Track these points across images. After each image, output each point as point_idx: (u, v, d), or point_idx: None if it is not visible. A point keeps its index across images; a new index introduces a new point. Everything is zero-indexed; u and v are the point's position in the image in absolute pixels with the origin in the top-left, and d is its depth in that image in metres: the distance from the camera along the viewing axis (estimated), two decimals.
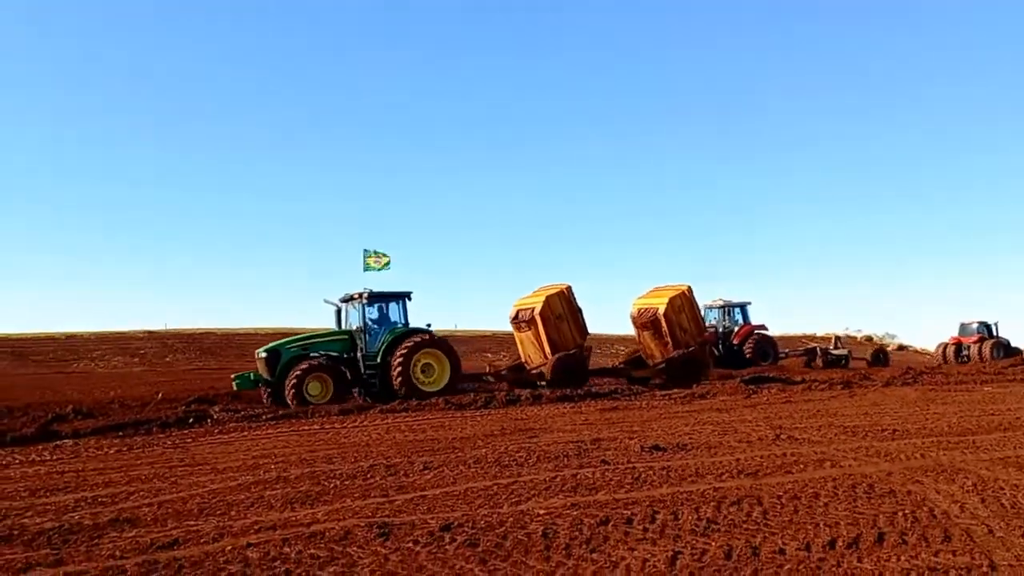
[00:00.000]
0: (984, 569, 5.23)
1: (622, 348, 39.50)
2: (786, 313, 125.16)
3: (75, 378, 31.42)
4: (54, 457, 11.78)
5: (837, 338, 35.63)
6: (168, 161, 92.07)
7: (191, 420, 15.69)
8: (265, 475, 9.35)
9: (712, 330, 31.71)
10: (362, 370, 20.46)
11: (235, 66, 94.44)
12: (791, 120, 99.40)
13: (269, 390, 19.64)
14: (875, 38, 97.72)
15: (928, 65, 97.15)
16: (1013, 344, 38.05)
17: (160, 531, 6.70)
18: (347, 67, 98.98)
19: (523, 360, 24.26)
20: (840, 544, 5.79)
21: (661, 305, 24.83)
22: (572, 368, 22.51)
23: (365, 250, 21.91)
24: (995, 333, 38.41)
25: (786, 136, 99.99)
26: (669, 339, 24.56)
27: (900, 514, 6.68)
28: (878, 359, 34.09)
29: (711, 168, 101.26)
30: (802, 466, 9.07)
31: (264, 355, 19.91)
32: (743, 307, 33.26)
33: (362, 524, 6.59)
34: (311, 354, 19.87)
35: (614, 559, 5.52)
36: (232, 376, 20.63)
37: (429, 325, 21.42)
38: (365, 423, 15.06)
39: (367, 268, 21.80)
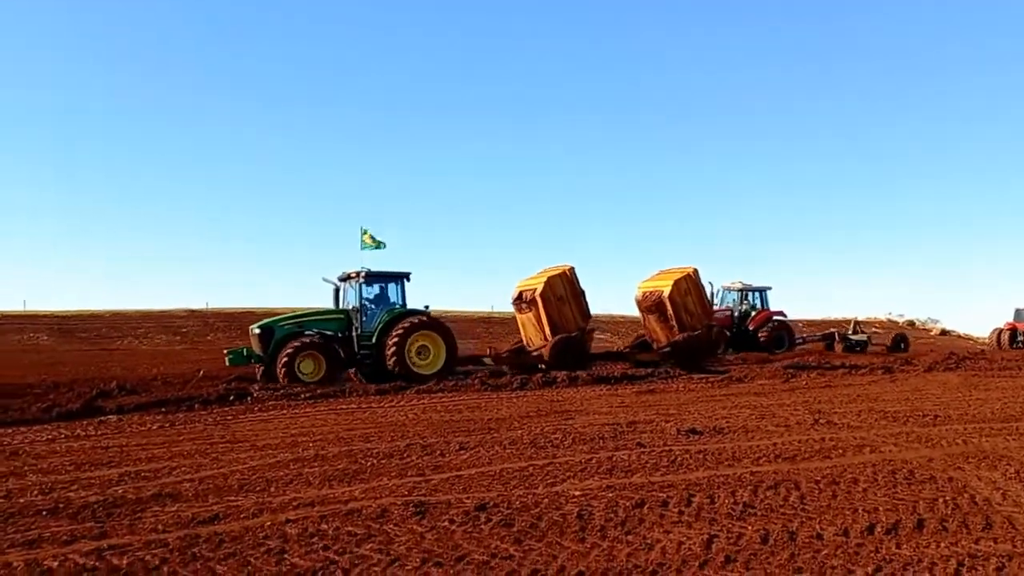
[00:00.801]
0: None
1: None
2: (827, 298, 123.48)
3: (119, 355, 31.94)
4: (99, 432, 12.01)
5: (856, 323, 34.74)
6: (216, 139, 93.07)
7: (231, 398, 15.91)
8: (303, 453, 9.46)
9: (728, 312, 31.42)
10: (356, 350, 20.10)
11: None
12: (838, 97, 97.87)
13: (262, 367, 19.39)
14: (924, 9, 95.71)
15: (983, 35, 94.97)
16: None
17: (201, 506, 6.82)
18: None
19: (524, 342, 23.94)
20: (879, 530, 5.74)
21: (666, 288, 24.37)
22: (572, 351, 22.03)
23: (363, 228, 21.50)
24: None
25: (835, 114, 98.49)
26: (675, 322, 24.11)
27: (940, 500, 6.60)
28: (898, 345, 33.27)
29: (757, 148, 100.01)
30: (841, 451, 8.99)
31: (257, 331, 19.68)
32: (763, 292, 32.63)
33: (399, 502, 6.66)
34: (305, 332, 19.61)
35: (649, 541, 5.52)
36: (225, 351, 20.58)
37: (427, 307, 21.10)
38: (402, 403, 15.17)
39: (364, 246, 21.37)
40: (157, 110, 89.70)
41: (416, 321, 19.96)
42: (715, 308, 30.77)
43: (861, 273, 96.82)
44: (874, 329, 45.21)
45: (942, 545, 5.40)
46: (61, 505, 6.94)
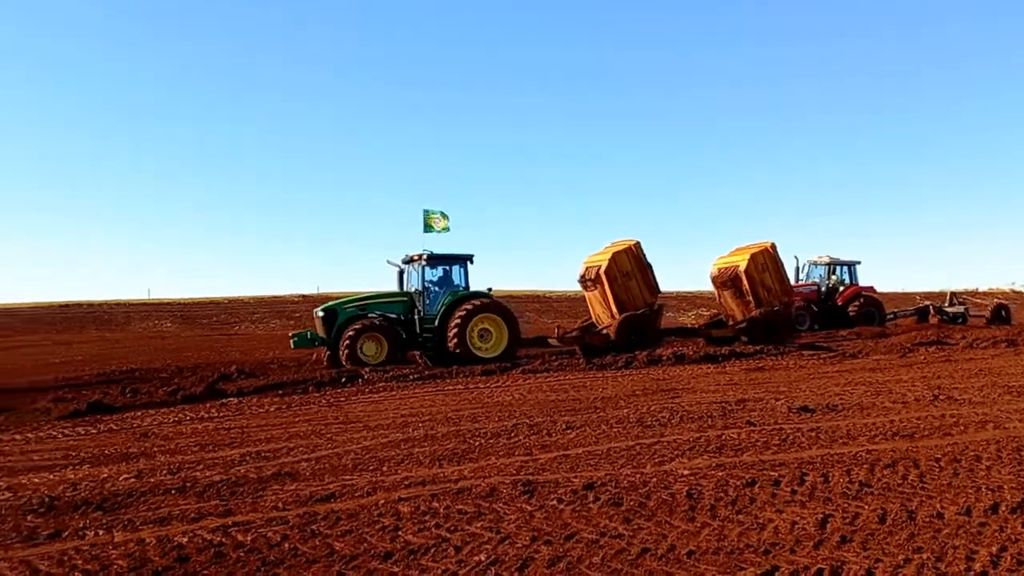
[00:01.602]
0: None
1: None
2: (941, 267, 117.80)
3: (237, 340, 33.24)
4: (220, 414, 12.55)
5: (953, 294, 32.93)
6: (327, 127, 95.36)
7: (344, 380, 16.36)
8: (414, 433, 9.67)
9: (814, 288, 30.41)
10: (418, 332, 20.12)
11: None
12: (942, 60, 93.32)
13: (327, 350, 19.59)
14: None
15: None
16: None
17: (318, 485, 7.06)
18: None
19: (593, 320, 23.49)
20: (1003, 509, 5.51)
21: (742, 263, 23.75)
22: (640, 328, 21.50)
23: (426, 210, 21.25)
24: None
25: (938, 78, 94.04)
26: (751, 298, 23.48)
27: None
28: (999, 316, 31.31)
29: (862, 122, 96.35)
30: (962, 428, 8.65)
31: (321, 314, 19.82)
32: (851, 266, 31.38)
33: (507, 481, 6.74)
34: (369, 314, 19.73)
35: (761, 521, 5.44)
36: (290, 334, 20.78)
37: (490, 289, 20.95)
38: (508, 383, 15.31)
39: (428, 229, 21.16)
40: (266, 107, 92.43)
41: (478, 303, 19.85)
42: (801, 283, 29.90)
43: (978, 243, 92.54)
44: (976, 300, 42.99)
45: None
46: (188, 484, 7.29)
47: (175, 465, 8.29)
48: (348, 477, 7.35)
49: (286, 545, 5.31)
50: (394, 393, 14.47)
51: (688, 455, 7.67)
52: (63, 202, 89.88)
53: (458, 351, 19.35)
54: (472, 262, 20.92)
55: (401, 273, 20.94)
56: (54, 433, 11.32)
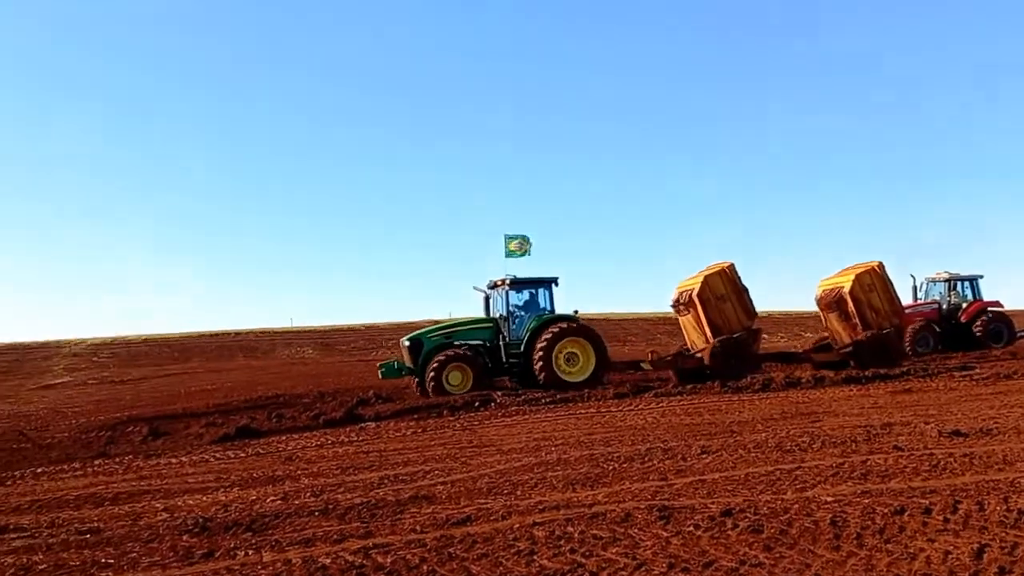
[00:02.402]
0: None
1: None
2: None
3: (374, 366, 34.13)
4: (360, 438, 12.92)
5: None
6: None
7: (477, 404, 16.58)
8: (546, 457, 9.68)
9: (934, 306, 28.53)
10: (504, 359, 19.87)
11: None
12: None
13: (416, 379, 19.51)
14: None
15: None
16: None
17: (454, 508, 7.16)
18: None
19: (688, 345, 22.58)
20: None
21: (847, 283, 22.43)
22: (735, 352, 20.58)
23: (506, 235, 21.03)
24: None
25: None
26: (857, 320, 22.10)
27: None
28: None
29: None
30: None
31: (407, 344, 19.77)
32: (973, 281, 29.16)
33: (642, 506, 6.66)
34: (455, 342, 19.60)
35: (911, 551, 5.18)
36: (378, 364, 20.83)
37: (576, 312, 20.48)
38: (640, 406, 15.15)
39: (509, 254, 20.94)
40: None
41: (563, 327, 19.52)
42: (920, 302, 28.23)
43: None
44: None
45: None
46: (330, 506, 7.53)
47: (318, 488, 8.58)
48: (483, 501, 7.42)
49: (424, 568, 5.40)
50: (526, 417, 14.55)
51: (831, 481, 7.38)
52: (217, 238, 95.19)
53: (543, 376, 19.05)
54: (557, 285, 20.65)
55: (487, 299, 20.81)
56: (206, 457, 11.93)
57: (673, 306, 22.63)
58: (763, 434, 10.56)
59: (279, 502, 7.91)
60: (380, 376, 20.37)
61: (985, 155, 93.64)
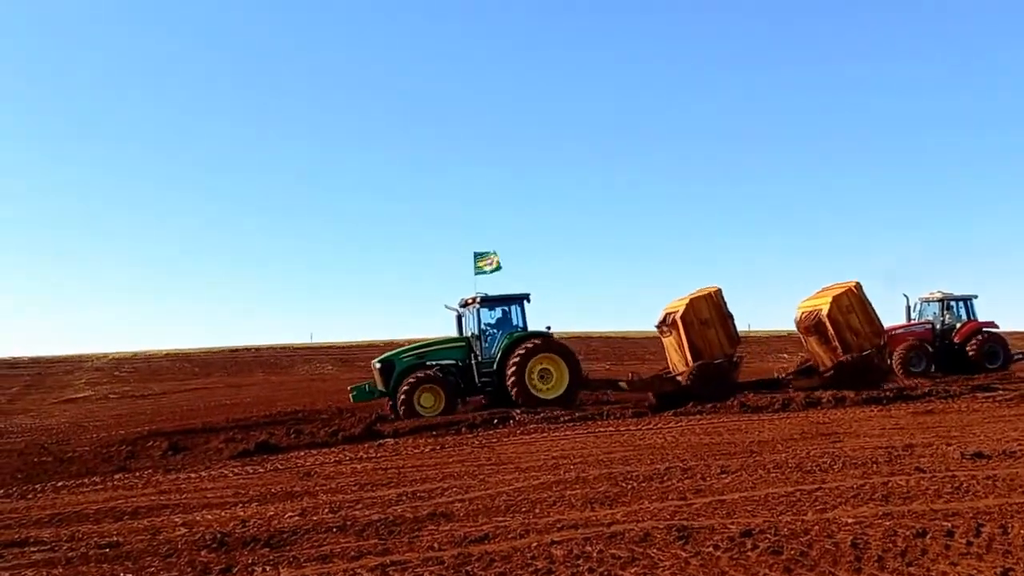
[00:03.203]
0: None
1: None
2: None
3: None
4: (378, 454, 12.93)
5: None
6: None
7: (495, 421, 16.57)
8: (565, 475, 9.65)
9: (928, 327, 28.06)
10: (476, 379, 19.55)
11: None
12: None
13: (391, 400, 19.11)
14: None
15: None
16: None
17: (472, 526, 7.15)
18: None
19: (670, 367, 22.19)
20: None
21: (824, 306, 21.98)
22: (714, 378, 20.08)
23: (475, 253, 20.70)
24: None
25: None
26: (837, 343, 21.65)
27: None
28: None
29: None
30: None
31: (379, 366, 19.42)
32: (967, 301, 28.65)
33: (661, 526, 6.62)
34: (427, 363, 19.26)
35: (933, 573, 5.13)
36: (349, 388, 20.39)
37: (549, 328, 20.05)
38: (659, 425, 15.08)
39: (478, 271, 20.55)
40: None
41: (535, 344, 19.14)
42: (913, 322, 27.88)
43: None
44: None
45: None
46: (348, 523, 7.53)
47: (336, 504, 8.59)
48: (501, 518, 7.41)
49: None
50: (545, 435, 14.51)
51: (852, 502, 7.32)
52: (234, 252, 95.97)
53: (517, 394, 18.69)
54: (529, 301, 20.29)
55: (459, 317, 20.43)
56: (225, 472, 11.97)
57: (657, 327, 22.25)
58: (783, 454, 10.49)
59: (297, 518, 7.92)
60: (352, 400, 19.96)
61: (977, 171, 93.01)
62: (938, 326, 28.18)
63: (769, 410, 16.94)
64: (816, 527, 6.39)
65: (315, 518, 7.87)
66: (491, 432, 15.36)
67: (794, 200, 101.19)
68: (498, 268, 20.72)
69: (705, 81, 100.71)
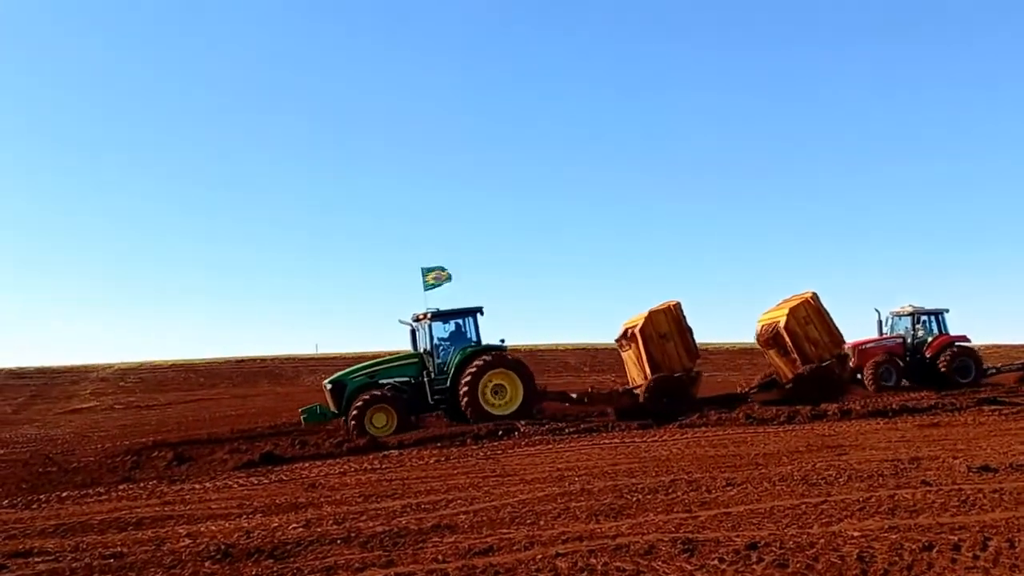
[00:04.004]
0: None
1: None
2: None
3: None
4: (383, 466, 12.92)
5: None
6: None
7: (500, 433, 16.53)
8: (570, 487, 9.63)
9: (899, 341, 27.75)
10: (428, 396, 19.08)
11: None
12: None
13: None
14: None
15: None
16: None
17: (476, 538, 7.14)
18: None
19: (629, 381, 22.00)
20: None
21: (782, 318, 21.87)
22: (671, 393, 19.91)
23: (423, 268, 20.07)
24: None
25: None
26: (796, 355, 21.53)
27: None
28: None
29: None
30: None
31: (329, 386, 18.97)
32: (939, 315, 28.26)
33: (666, 539, 6.60)
34: (379, 381, 18.82)
35: None
36: (300, 410, 19.74)
37: (503, 341, 19.72)
38: (665, 437, 15.04)
39: (428, 287, 19.94)
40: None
41: (488, 359, 18.75)
42: (885, 336, 27.72)
43: None
44: None
45: None
46: (353, 534, 7.52)
47: (340, 515, 8.58)
48: (505, 531, 7.39)
49: None
50: (550, 446, 14.49)
51: (858, 516, 7.29)
52: (240, 263, 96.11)
53: (470, 411, 18.33)
54: (482, 314, 19.91)
55: (413, 332, 19.67)
56: (230, 483, 11.97)
57: (617, 341, 22.15)
58: (789, 467, 10.46)
59: (301, 529, 7.92)
60: (303, 423, 19.25)
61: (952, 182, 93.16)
62: (909, 340, 27.92)
63: (775, 422, 16.89)
64: (822, 540, 6.36)
65: (319, 529, 7.86)
66: (496, 444, 15.33)
67: (758, 213, 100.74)
68: (448, 280, 20.24)
69: (664, 89, 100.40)
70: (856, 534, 6.53)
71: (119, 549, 7.44)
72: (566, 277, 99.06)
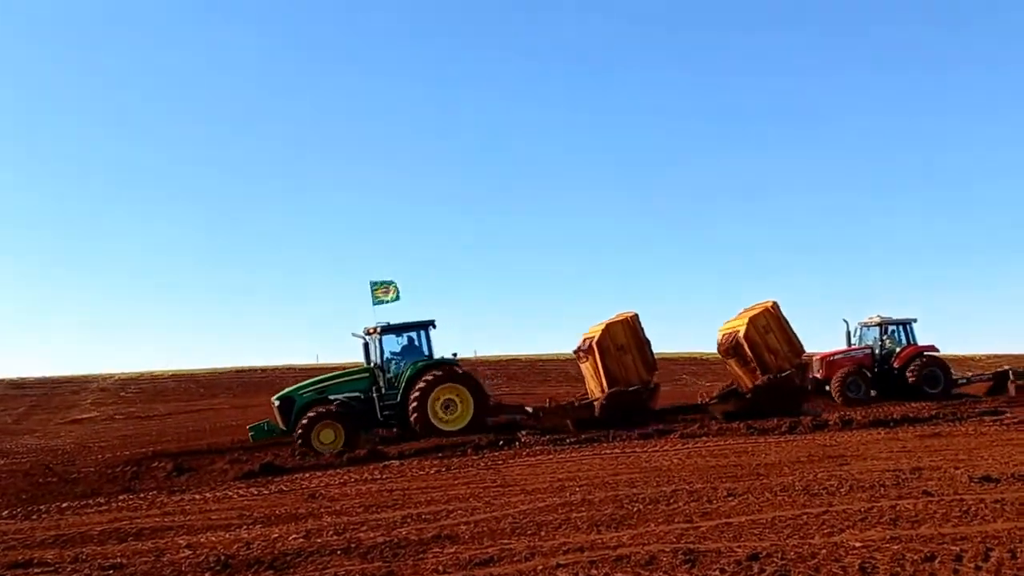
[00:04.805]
0: None
1: None
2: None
3: None
4: (383, 476, 12.90)
5: None
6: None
7: (501, 443, 16.51)
8: (571, 497, 9.61)
9: (867, 351, 27.57)
10: (378, 412, 18.68)
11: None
12: None
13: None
14: None
15: None
16: None
17: (477, 548, 7.12)
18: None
19: (588, 393, 21.81)
20: None
21: (742, 327, 21.66)
22: (628, 406, 19.71)
23: (372, 282, 19.78)
24: None
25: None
26: (756, 364, 21.29)
27: None
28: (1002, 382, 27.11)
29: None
30: None
31: (277, 403, 18.55)
32: (907, 325, 28.01)
33: (667, 549, 6.59)
34: (329, 396, 18.49)
35: None
36: (248, 427, 19.37)
37: (455, 355, 19.56)
38: (665, 447, 15.01)
39: (377, 301, 19.64)
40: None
41: (439, 374, 18.49)
42: (853, 347, 27.59)
43: None
44: None
45: None
46: (353, 545, 7.51)
47: (341, 526, 8.56)
48: (506, 541, 7.37)
49: None
50: (551, 456, 14.47)
51: (860, 526, 7.27)
52: (240, 273, 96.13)
53: (418, 427, 18.03)
54: (434, 327, 19.64)
55: (366, 346, 19.25)
56: (230, 493, 11.96)
57: (575, 352, 21.97)
58: (790, 477, 10.44)
59: (301, 540, 7.90)
60: (251, 440, 18.83)
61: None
62: (877, 351, 27.76)
63: (776, 432, 16.86)
64: (823, 551, 6.35)
65: (319, 540, 7.84)
66: (497, 454, 15.31)
67: (723, 221, 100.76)
68: (397, 298, 19.88)
69: (624, 91, 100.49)
70: (858, 544, 6.51)
71: (119, 560, 7.42)
72: (570, 286, 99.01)
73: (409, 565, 6.64)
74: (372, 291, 19.72)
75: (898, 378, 26.72)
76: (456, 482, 11.71)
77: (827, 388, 25.48)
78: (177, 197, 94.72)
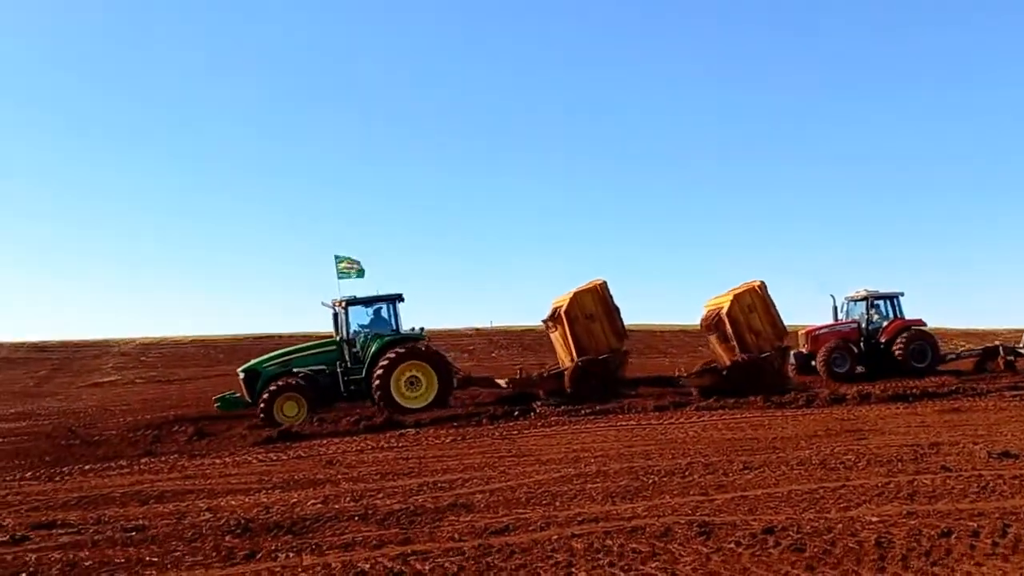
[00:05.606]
0: None
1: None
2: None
3: None
4: (400, 444, 13.00)
5: None
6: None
7: (516, 413, 16.57)
8: (586, 468, 9.65)
9: (854, 326, 27.04)
10: (341, 386, 18.46)
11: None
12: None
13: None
14: None
15: None
16: None
17: (492, 517, 7.17)
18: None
19: (559, 362, 21.49)
20: None
21: (726, 304, 21.54)
22: (599, 374, 19.52)
23: (336, 256, 19.47)
24: None
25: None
26: (735, 343, 21.18)
27: None
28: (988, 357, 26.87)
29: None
30: None
31: (242, 375, 18.47)
32: (894, 299, 27.42)
33: (682, 521, 6.61)
34: (293, 369, 18.24)
35: (958, 574, 5.08)
36: (214, 399, 19.25)
37: (422, 329, 19.28)
38: (681, 420, 15.02)
39: (341, 275, 19.30)
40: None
41: (403, 350, 18.10)
42: (840, 321, 27.22)
43: None
44: None
45: None
46: (370, 511, 7.58)
47: (358, 492, 8.65)
48: (521, 511, 7.42)
49: None
50: (566, 427, 14.51)
51: (876, 501, 7.26)
52: (261, 240, 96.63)
53: (382, 403, 17.70)
54: (402, 300, 19.31)
55: (335, 316, 18.96)
56: (249, 458, 12.09)
57: (544, 322, 21.81)
58: (807, 451, 10.42)
59: (319, 505, 7.98)
60: (217, 410, 18.74)
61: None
62: (864, 325, 27.37)
63: (793, 406, 16.83)
64: (839, 525, 6.35)
65: (337, 506, 7.92)
66: (512, 424, 15.38)
67: (707, 194, 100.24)
68: (360, 274, 19.61)
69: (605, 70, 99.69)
70: (874, 519, 6.51)
71: (141, 522, 7.53)
72: (583, 260, 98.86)
73: (425, 532, 6.69)
74: (336, 264, 19.45)
75: (885, 352, 26.36)
76: (471, 451, 11.78)
77: (813, 363, 25.22)
78: (198, 169, 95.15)
